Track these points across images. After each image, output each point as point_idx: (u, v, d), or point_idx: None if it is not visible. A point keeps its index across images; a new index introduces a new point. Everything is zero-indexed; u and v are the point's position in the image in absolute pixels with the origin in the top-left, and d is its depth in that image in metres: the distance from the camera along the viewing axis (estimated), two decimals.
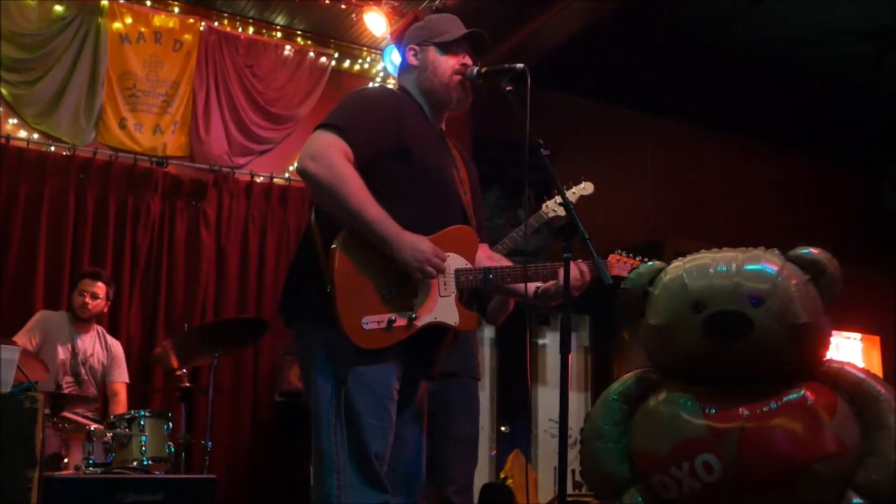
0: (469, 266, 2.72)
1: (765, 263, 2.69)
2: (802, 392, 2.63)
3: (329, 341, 2.56)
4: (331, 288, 2.50)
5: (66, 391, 5.14)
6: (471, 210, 2.85)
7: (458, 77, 2.81)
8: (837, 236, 8.36)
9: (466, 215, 2.82)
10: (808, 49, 7.43)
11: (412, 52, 2.88)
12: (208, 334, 5.24)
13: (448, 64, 2.81)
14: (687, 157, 8.82)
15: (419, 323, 2.60)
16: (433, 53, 2.84)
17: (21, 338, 5.12)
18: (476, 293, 2.89)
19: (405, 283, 2.59)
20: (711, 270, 2.71)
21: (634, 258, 3.04)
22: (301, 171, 2.56)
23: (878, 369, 9.02)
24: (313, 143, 2.57)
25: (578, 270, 2.71)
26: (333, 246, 2.53)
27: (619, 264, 3.01)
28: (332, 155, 2.52)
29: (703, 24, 7.21)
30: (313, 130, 2.61)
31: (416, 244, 2.54)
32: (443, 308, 2.66)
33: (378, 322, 2.53)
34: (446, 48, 2.83)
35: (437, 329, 2.67)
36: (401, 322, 2.57)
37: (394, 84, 7.00)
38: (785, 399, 2.62)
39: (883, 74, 7.61)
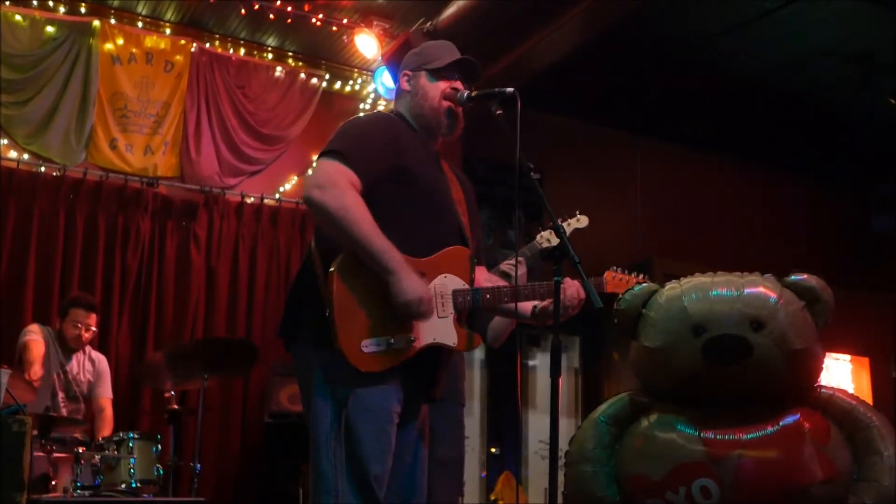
0: (466, 287, 2.73)
1: (764, 289, 2.70)
2: (798, 417, 2.64)
3: (328, 364, 2.57)
4: (329, 311, 2.51)
5: (61, 407, 5.12)
6: (468, 231, 2.87)
7: (447, 103, 2.84)
8: (825, 257, 8.44)
9: (464, 236, 2.84)
10: (793, 71, 7.50)
11: (405, 78, 2.93)
12: (197, 353, 5.22)
13: (438, 89, 2.86)
14: (675, 178, 8.87)
15: (418, 345, 2.61)
16: (424, 79, 2.88)
17: (37, 343, 5.10)
18: (475, 316, 2.89)
19: None
20: (711, 294, 2.72)
21: (630, 274, 3.04)
22: (307, 200, 2.58)
23: (867, 391, 9.03)
24: (319, 172, 2.60)
25: (575, 289, 2.72)
26: (332, 269, 2.55)
27: (615, 281, 3.02)
28: (338, 184, 2.56)
29: (690, 46, 7.26)
30: (317, 157, 2.64)
31: (414, 285, 2.55)
32: (441, 329, 2.67)
33: (377, 345, 2.55)
34: (437, 74, 2.87)
35: (437, 350, 2.68)
36: (399, 344, 2.58)
37: (384, 106, 7.06)
38: (782, 424, 2.63)
39: (867, 96, 7.67)
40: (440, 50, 2.94)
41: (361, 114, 7.01)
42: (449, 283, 2.70)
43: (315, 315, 2.57)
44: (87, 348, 5.50)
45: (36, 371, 4.86)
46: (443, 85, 2.86)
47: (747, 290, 2.69)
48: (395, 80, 2.99)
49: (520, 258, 3.59)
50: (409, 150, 2.76)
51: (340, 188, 2.55)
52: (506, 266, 3.69)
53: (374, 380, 2.55)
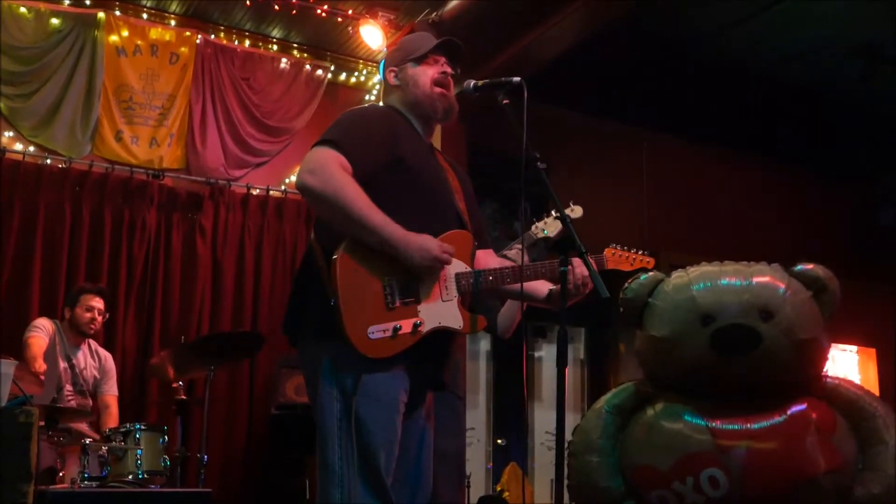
0: (469, 270, 2.75)
1: (772, 278, 2.70)
2: (805, 407, 2.64)
3: (335, 354, 2.57)
4: (334, 300, 2.51)
5: (68, 400, 5.13)
6: (466, 217, 2.88)
7: (438, 88, 2.85)
8: (831, 249, 8.43)
9: (462, 221, 2.85)
10: (798, 64, 7.48)
11: (392, 74, 2.94)
12: (204, 347, 5.24)
13: (427, 75, 2.87)
14: (681, 171, 8.86)
15: (424, 329, 2.62)
16: (411, 69, 2.89)
17: (39, 339, 5.13)
18: (483, 304, 2.89)
19: (408, 291, 2.61)
20: (720, 283, 2.71)
21: (630, 251, 3.05)
22: (300, 187, 2.58)
23: (873, 381, 9.05)
24: (310, 159, 2.60)
25: (583, 267, 2.73)
26: (335, 257, 2.55)
27: (616, 258, 3.03)
28: (329, 167, 2.56)
29: (696, 38, 7.26)
30: (310, 148, 2.64)
31: (422, 243, 2.58)
32: (446, 313, 2.67)
33: (384, 331, 2.55)
34: (421, 60, 2.88)
35: (443, 335, 2.68)
36: (406, 329, 2.58)
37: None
38: (789, 414, 2.63)
39: (872, 88, 7.65)
40: (419, 40, 2.96)
41: (365, 105, 7.04)
42: (451, 267, 2.70)
43: (320, 308, 2.57)
44: (94, 344, 5.51)
45: (40, 364, 4.88)
46: (430, 71, 2.87)
47: (756, 280, 2.68)
48: (384, 79, 2.99)
49: (513, 252, 3.61)
50: (404, 140, 2.77)
51: (331, 171, 2.55)
52: (508, 253, 3.69)
53: (382, 367, 2.55)
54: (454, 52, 2.92)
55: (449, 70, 2.88)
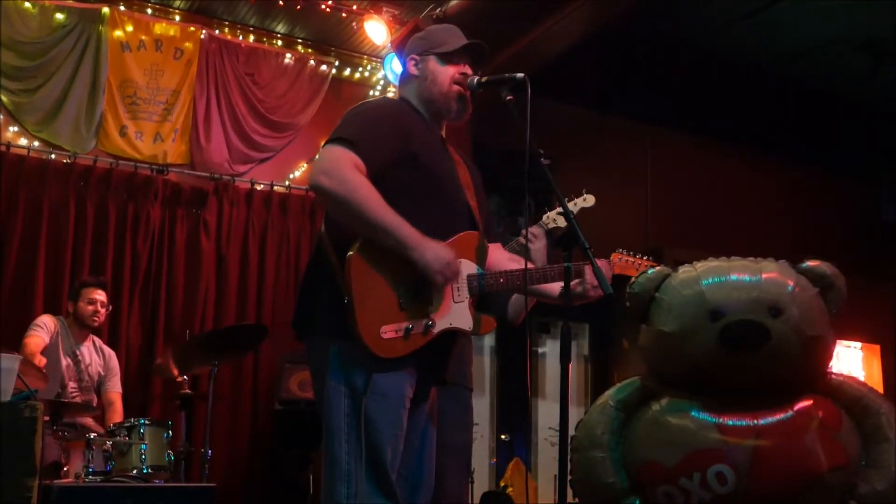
0: (479, 271, 2.75)
1: (780, 275, 2.69)
2: (811, 404, 2.64)
3: (344, 351, 2.57)
4: (348, 299, 2.50)
5: (71, 395, 5.14)
6: (477, 214, 2.88)
7: (457, 87, 2.83)
8: (836, 246, 8.41)
9: (474, 219, 2.85)
10: (804, 59, 7.46)
11: (413, 62, 2.91)
12: (208, 342, 5.25)
13: (448, 74, 2.84)
14: (685, 168, 8.84)
15: (435, 329, 2.62)
16: (433, 63, 2.86)
17: (36, 337, 5.14)
18: (495, 293, 2.90)
19: (420, 291, 2.60)
20: (729, 279, 2.70)
21: (636, 257, 3.05)
22: (315, 188, 2.56)
23: (878, 378, 9.05)
24: (324, 159, 2.58)
25: (591, 279, 2.74)
26: (349, 254, 2.54)
27: (622, 263, 3.03)
28: (343, 168, 2.54)
29: (701, 34, 7.23)
30: (322, 146, 2.63)
31: (437, 249, 2.56)
32: (457, 314, 2.68)
33: (396, 331, 2.55)
34: (446, 58, 2.86)
35: (451, 335, 2.69)
36: (418, 330, 2.58)
37: (394, 93, 7.04)
38: (796, 410, 2.63)
39: (879, 85, 7.63)
40: (446, 34, 2.93)
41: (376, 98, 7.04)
42: (463, 268, 2.70)
43: (331, 304, 2.56)
44: (98, 341, 5.52)
45: (39, 360, 4.89)
46: (452, 70, 2.84)
47: (764, 276, 2.67)
48: (403, 65, 2.97)
49: (537, 230, 3.60)
50: (417, 135, 2.75)
51: (345, 172, 2.53)
52: (514, 244, 3.68)
53: (391, 365, 2.55)
54: (479, 55, 2.90)
55: (469, 72, 2.86)
